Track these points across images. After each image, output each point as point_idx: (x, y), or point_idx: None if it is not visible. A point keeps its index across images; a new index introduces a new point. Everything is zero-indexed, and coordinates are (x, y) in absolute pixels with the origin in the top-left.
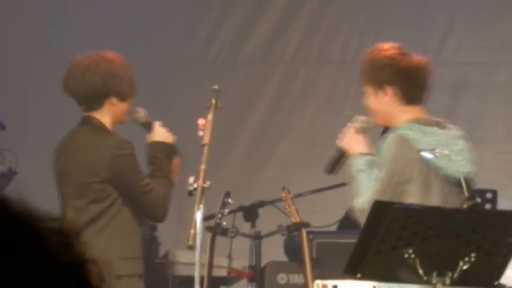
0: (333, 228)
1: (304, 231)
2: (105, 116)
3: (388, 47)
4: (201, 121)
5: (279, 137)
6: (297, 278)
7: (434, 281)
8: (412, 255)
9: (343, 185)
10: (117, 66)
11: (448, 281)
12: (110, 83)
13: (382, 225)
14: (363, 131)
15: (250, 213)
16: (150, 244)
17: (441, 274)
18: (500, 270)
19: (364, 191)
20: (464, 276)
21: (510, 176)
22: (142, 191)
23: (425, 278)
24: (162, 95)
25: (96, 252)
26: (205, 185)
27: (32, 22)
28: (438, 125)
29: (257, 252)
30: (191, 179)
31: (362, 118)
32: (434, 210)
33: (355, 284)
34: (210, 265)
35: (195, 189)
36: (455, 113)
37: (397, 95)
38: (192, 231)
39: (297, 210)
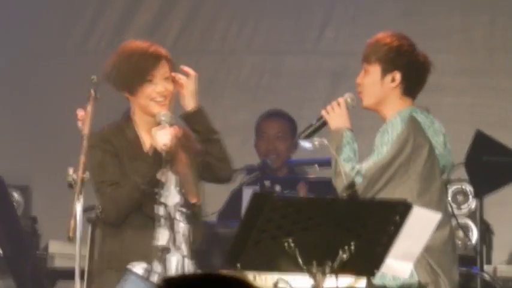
0: (213, 218)
1: None
2: (132, 106)
3: (407, 38)
4: (80, 112)
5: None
6: None
7: (314, 270)
8: (292, 245)
9: None
10: (113, 59)
11: (328, 270)
12: (105, 77)
13: (261, 215)
14: (349, 108)
15: None
16: (31, 236)
17: (321, 263)
18: (380, 259)
19: (351, 162)
20: (344, 265)
21: None
22: (95, 188)
23: (304, 268)
24: (43, 86)
25: None
26: (84, 176)
27: None
28: (429, 113)
29: None
30: (70, 170)
31: (352, 96)
32: (314, 200)
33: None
34: (91, 257)
35: (75, 180)
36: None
37: (402, 83)
38: (72, 222)
39: None
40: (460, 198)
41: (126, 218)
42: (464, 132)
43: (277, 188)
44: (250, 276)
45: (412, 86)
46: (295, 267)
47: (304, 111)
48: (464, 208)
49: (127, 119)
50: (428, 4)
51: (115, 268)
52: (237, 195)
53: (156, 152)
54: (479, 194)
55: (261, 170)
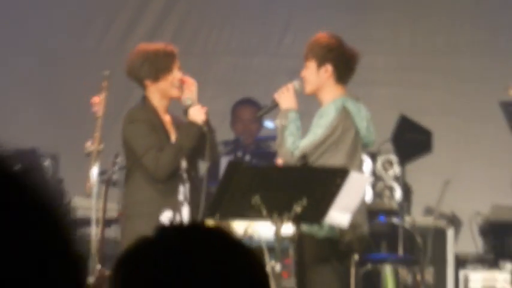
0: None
1: None
2: (149, 93)
3: (336, 36)
4: (95, 99)
5: None
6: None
7: (275, 219)
8: (258, 201)
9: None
10: (138, 54)
11: (285, 219)
12: (136, 69)
13: (234, 178)
14: (296, 93)
15: None
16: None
17: (280, 214)
18: (325, 212)
19: (292, 137)
20: (297, 216)
21: None
22: (141, 154)
23: (268, 217)
24: (69, 75)
25: None
26: (99, 148)
27: None
28: (358, 101)
29: None
30: (88, 143)
31: (300, 83)
32: (274, 168)
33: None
34: (104, 209)
35: (91, 151)
36: None
37: (334, 73)
38: (88, 183)
39: None
40: (387, 165)
41: (172, 175)
42: (391, 116)
43: (247, 157)
44: (228, 223)
45: (342, 75)
46: (261, 217)
47: (267, 100)
48: (391, 173)
49: (146, 101)
50: (368, 16)
51: (147, 213)
52: (215, 165)
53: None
54: (402, 163)
55: (235, 144)
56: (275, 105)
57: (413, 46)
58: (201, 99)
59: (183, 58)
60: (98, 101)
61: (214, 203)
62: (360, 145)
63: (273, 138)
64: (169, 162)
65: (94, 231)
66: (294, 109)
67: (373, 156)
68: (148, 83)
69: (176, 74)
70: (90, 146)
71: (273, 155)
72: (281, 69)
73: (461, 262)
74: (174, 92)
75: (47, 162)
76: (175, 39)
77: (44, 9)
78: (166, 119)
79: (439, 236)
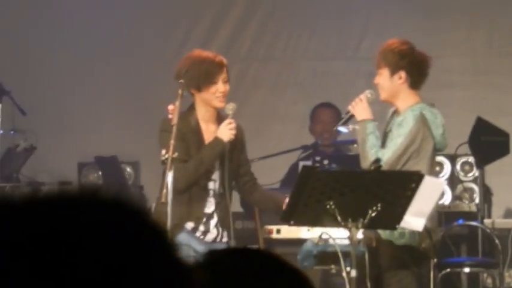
0: (277, 185)
1: None
2: (196, 101)
3: (408, 42)
4: (170, 107)
5: (236, 115)
6: (249, 224)
7: (349, 225)
8: (333, 206)
9: (283, 152)
10: (186, 61)
11: (360, 225)
12: (183, 78)
13: (308, 183)
14: (370, 101)
15: None
16: (139, 200)
17: (355, 220)
18: (400, 217)
19: (374, 148)
20: (372, 222)
21: None
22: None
23: (342, 223)
24: (148, 85)
25: None
26: (174, 156)
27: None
28: (434, 107)
29: None
30: (163, 152)
31: (372, 91)
32: (349, 172)
33: (292, 228)
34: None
35: (166, 159)
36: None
37: (408, 79)
38: (165, 191)
39: None
40: (466, 167)
41: (191, 188)
42: (468, 118)
43: (325, 162)
44: (305, 228)
45: (416, 80)
46: (335, 223)
47: (346, 104)
48: (470, 175)
49: (191, 109)
50: (443, 19)
51: (172, 223)
52: (295, 168)
53: (222, 142)
54: (480, 165)
55: (314, 148)
56: (351, 116)
57: (489, 48)
58: (281, 104)
59: (263, 64)
60: (173, 109)
61: (289, 209)
62: (435, 153)
63: (352, 141)
64: (188, 175)
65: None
66: (370, 119)
67: (452, 159)
68: (192, 91)
69: (220, 87)
70: (165, 153)
71: (353, 158)
72: (359, 73)
73: None
74: (217, 103)
75: (128, 170)
76: (255, 45)
77: (130, 19)
78: (212, 128)
79: None
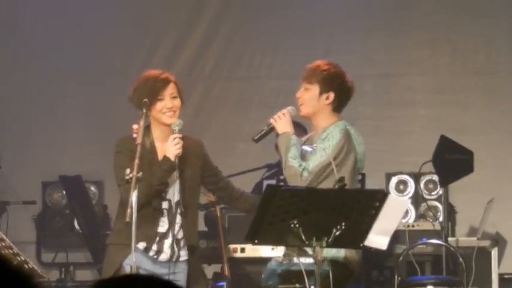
0: None
1: (217, 208)
2: (151, 120)
3: (339, 66)
4: (135, 126)
5: (200, 134)
6: (213, 243)
7: (314, 244)
8: (297, 225)
9: (248, 171)
10: (135, 84)
11: (324, 244)
12: (130, 98)
13: (273, 202)
14: (291, 117)
15: None
16: (103, 219)
17: (319, 239)
18: (364, 235)
19: (297, 159)
20: (337, 240)
21: (375, 162)
22: (118, 184)
23: (306, 242)
24: (109, 102)
25: None
26: (138, 175)
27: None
28: (354, 126)
29: None
30: (128, 171)
31: (294, 108)
32: (313, 190)
33: (256, 247)
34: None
35: (131, 178)
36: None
37: (334, 101)
38: (129, 210)
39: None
40: (430, 186)
41: (141, 209)
42: (432, 136)
43: None
44: (269, 248)
45: (340, 104)
46: (299, 242)
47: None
48: (434, 194)
49: (147, 129)
50: (406, 37)
51: (123, 243)
52: (259, 187)
53: (169, 160)
54: (444, 183)
55: (278, 167)
56: (271, 129)
57: (453, 66)
58: (245, 123)
59: (227, 82)
60: (137, 128)
61: (253, 229)
62: (357, 167)
63: None
64: (139, 196)
65: (134, 258)
66: (292, 132)
67: (416, 177)
68: (146, 110)
69: (167, 103)
70: (129, 173)
71: None
72: None
73: (505, 282)
74: (166, 120)
75: (92, 189)
76: (219, 63)
77: (92, 35)
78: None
79: (483, 256)
